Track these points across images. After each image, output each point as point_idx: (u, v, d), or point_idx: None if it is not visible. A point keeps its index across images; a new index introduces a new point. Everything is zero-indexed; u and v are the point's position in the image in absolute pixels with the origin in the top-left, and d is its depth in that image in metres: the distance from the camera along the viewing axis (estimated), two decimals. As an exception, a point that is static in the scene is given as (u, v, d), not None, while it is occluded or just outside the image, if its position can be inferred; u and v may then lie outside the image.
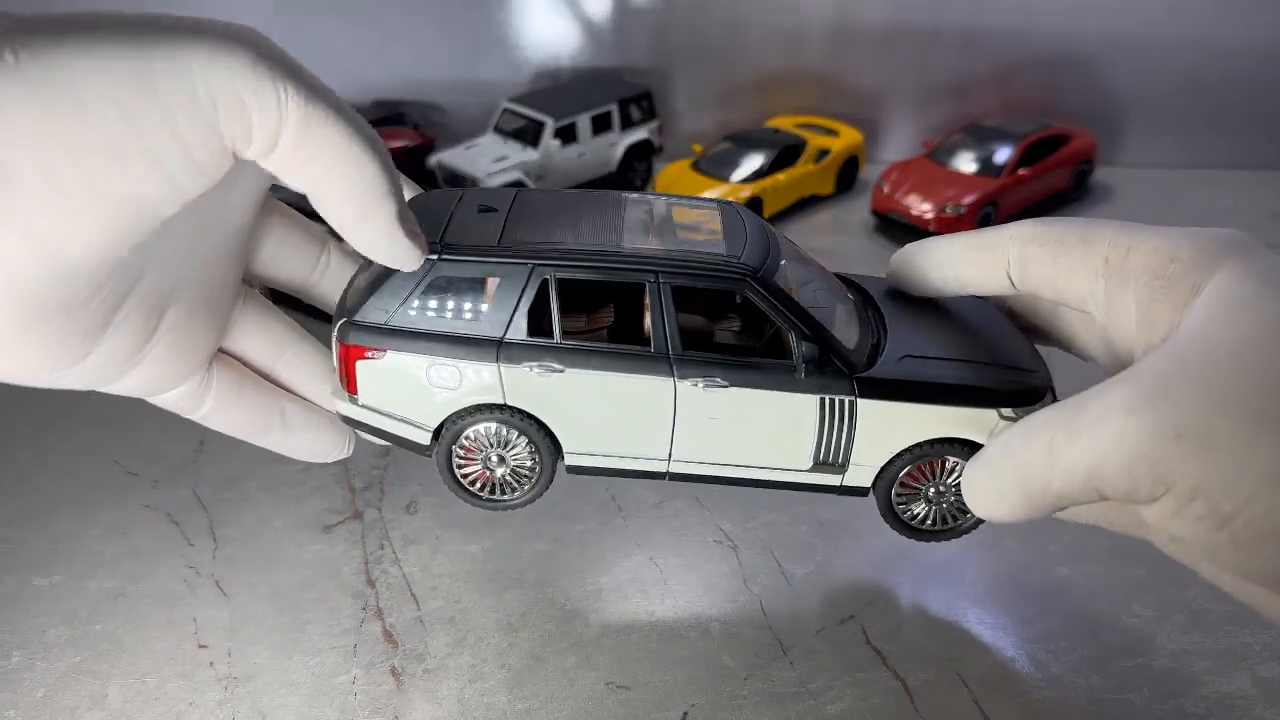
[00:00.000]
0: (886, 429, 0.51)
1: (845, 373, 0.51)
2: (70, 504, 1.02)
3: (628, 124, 1.91)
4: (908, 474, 0.53)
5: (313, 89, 0.39)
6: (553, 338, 0.50)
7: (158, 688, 0.81)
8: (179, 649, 0.84)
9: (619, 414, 0.51)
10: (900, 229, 1.71)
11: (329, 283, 0.56)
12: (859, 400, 0.50)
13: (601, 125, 1.87)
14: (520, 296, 0.50)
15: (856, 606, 0.88)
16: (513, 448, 0.53)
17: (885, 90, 2.02)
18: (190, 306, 0.47)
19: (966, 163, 1.75)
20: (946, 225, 1.65)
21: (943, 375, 0.51)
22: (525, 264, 0.49)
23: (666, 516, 1.00)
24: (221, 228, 0.47)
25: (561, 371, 0.50)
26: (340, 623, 0.87)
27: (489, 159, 1.77)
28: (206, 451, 1.10)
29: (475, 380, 0.50)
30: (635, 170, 1.95)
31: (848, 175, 1.90)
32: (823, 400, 0.50)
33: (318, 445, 0.56)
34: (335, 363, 0.52)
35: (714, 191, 1.74)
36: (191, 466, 1.07)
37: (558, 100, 1.87)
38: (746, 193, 1.75)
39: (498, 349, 0.50)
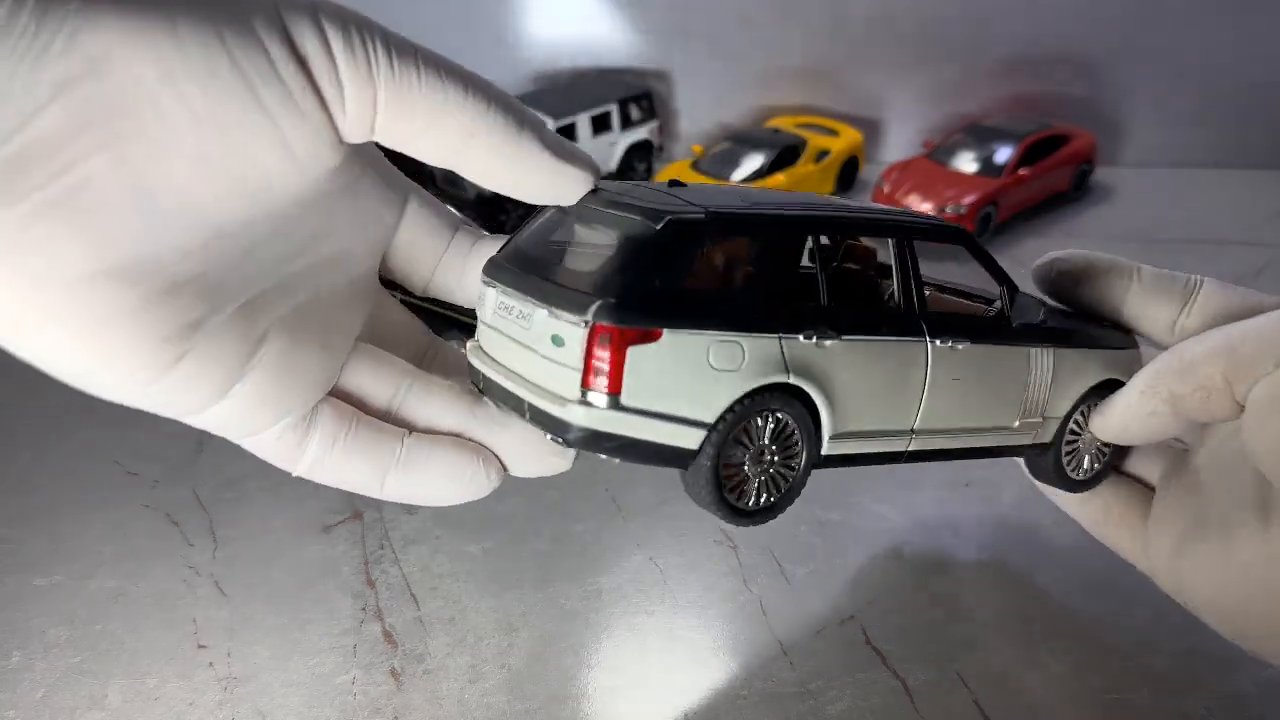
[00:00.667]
0: (1073, 376, 0.54)
1: (1039, 324, 0.52)
2: (70, 504, 1.02)
3: (627, 124, 1.91)
4: (1073, 422, 0.56)
5: (400, 44, 0.39)
6: (819, 301, 0.45)
7: (157, 688, 0.81)
8: (179, 649, 0.84)
9: (879, 384, 0.47)
10: (900, 229, 1.71)
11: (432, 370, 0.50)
12: (1054, 349, 0.53)
13: (601, 125, 1.87)
14: (791, 258, 0.45)
15: (856, 606, 0.88)
16: (781, 440, 0.46)
17: (885, 90, 2.02)
18: (297, 335, 0.43)
19: (967, 162, 1.75)
20: (946, 225, 1.65)
21: (1093, 327, 0.55)
22: (798, 221, 0.45)
23: (667, 517, 1.00)
24: (336, 264, 0.44)
25: (837, 338, 0.45)
26: (340, 623, 0.87)
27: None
28: (206, 452, 1.10)
29: (758, 357, 0.43)
30: (635, 170, 1.95)
31: (848, 175, 1.90)
32: (1030, 350, 0.52)
33: (451, 478, 0.47)
34: (578, 357, 0.40)
35: (714, 191, 1.74)
36: (191, 466, 1.07)
37: (557, 100, 1.87)
38: (746, 193, 1.75)
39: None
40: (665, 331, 0.41)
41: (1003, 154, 1.73)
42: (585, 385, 0.40)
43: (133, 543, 0.97)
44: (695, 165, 1.83)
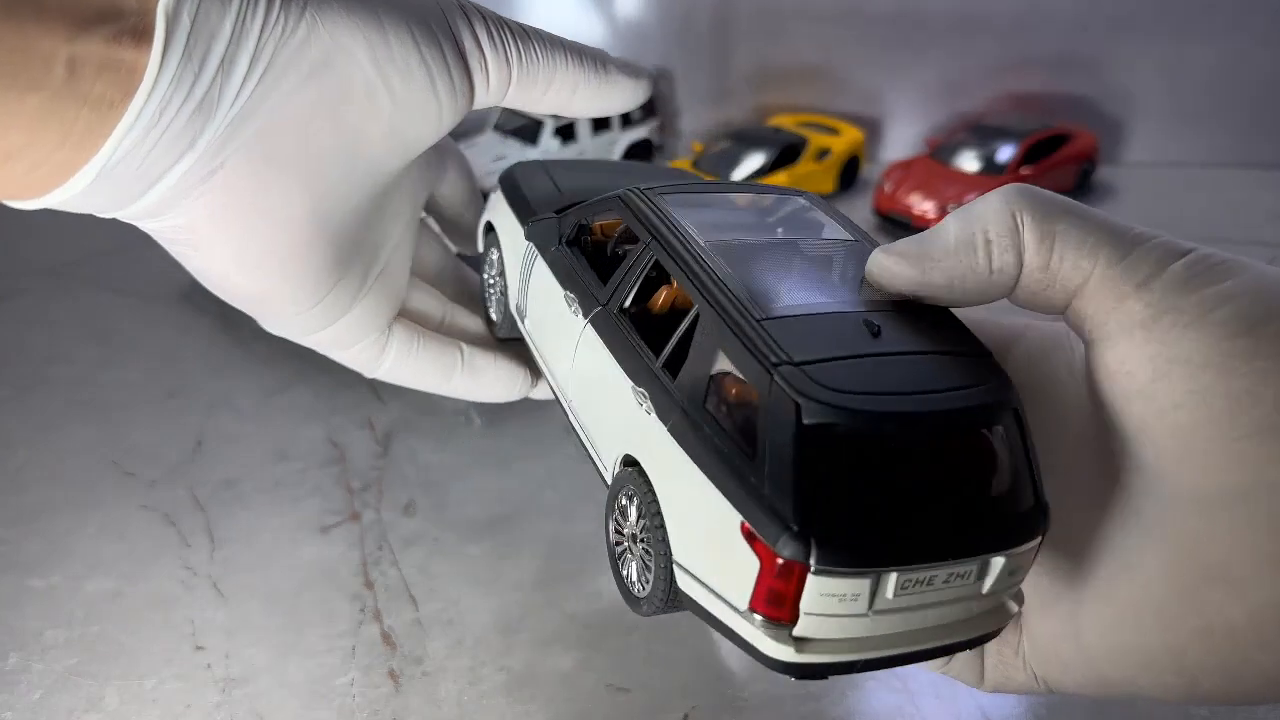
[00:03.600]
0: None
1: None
2: (67, 504, 1.02)
3: (628, 122, 1.91)
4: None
5: (524, 32, 0.50)
6: None
7: (155, 690, 0.80)
8: (176, 651, 0.84)
9: None
10: (903, 228, 1.71)
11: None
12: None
13: (601, 123, 1.86)
14: None
15: (858, 608, 0.88)
16: None
17: (887, 89, 2.02)
18: (390, 262, 0.55)
19: (969, 161, 1.74)
20: (948, 224, 1.64)
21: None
22: None
23: (667, 517, 0.99)
24: (411, 208, 0.57)
25: None
26: (338, 625, 0.86)
27: (488, 157, 1.76)
28: (204, 451, 1.09)
29: None
30: (636, 169, 1.95)
31: (849, 174, 1.90)
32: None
33: (502, 379, 0.62)
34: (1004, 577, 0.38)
35: (715, 190, 1.73)
36: (189, 467, 1.07)
37: (558, 99, 1.86)
38: (747, 191, 1.74)
39: None
40: None
41: (1005, 153, 1.73)
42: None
43: (130, 543, 0.96)
44: (696, 163, 1.82)
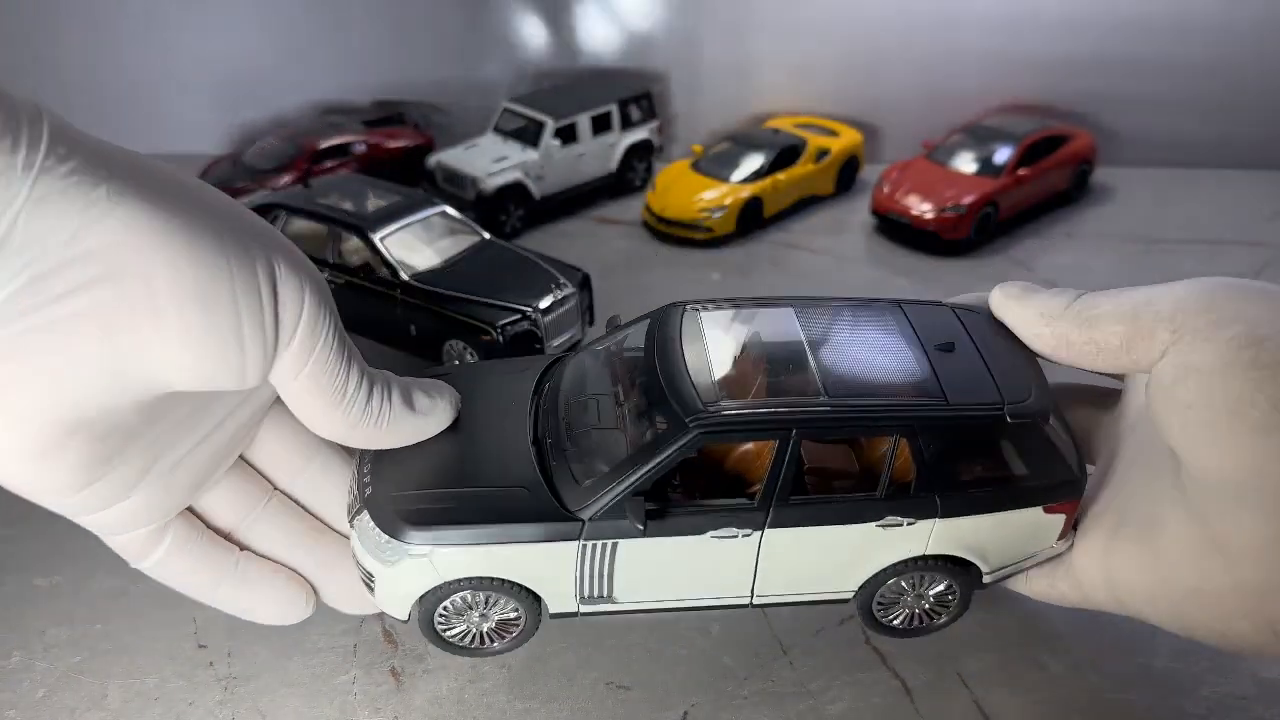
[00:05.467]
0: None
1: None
2: (70, 504, 1.02)
3: (628, 124, 1.91)
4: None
5: (342, 332, 0.48)
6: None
7: (157, 688, 0.81)
8: (179, 649, 0.84)
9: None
10: (900, 229, 1.71)
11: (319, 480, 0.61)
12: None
13: (601, 125, 1.87)
14: None
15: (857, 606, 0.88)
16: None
17: (885, 90, 2.02)
18: (187, 462, 0.51)
19: (966, 163, 1.75)
20: (946, 225, 1.65)
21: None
22: None
23: (666, 516, 0.99)
24: (227, 422, 0.52)
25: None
26: (340, 622, 0.87)
27: (488, 159, 1.77)
28: (206, 451, 1.10)
29: None
30: (635, 171, 1.95)
31: (847, 175, 1.90)
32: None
33: (277, 598, 0.56)
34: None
35: (714, 192, 1.74)
36: (191, 466, 1.07)
37: (558, 100, 1.86)
38: (746, 193, 1.74)
39: None
40: None
41: (1002, 154, 1.73)
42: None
43: (133, 542, 0.97)
44: (695, 165, 1.83)
